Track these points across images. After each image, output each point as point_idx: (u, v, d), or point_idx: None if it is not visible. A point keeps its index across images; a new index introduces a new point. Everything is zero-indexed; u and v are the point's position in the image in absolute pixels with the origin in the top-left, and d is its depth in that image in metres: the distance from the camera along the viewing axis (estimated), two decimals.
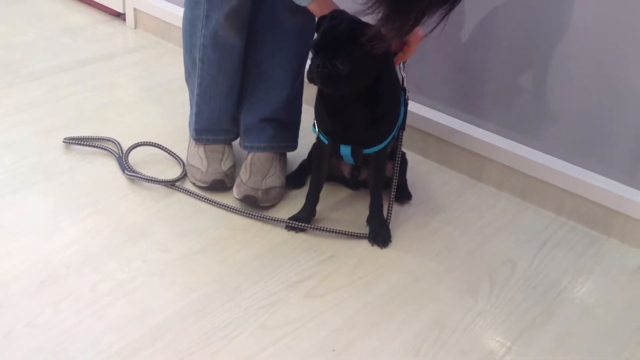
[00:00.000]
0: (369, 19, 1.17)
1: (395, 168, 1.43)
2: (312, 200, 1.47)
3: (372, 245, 1.43)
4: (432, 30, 1.13)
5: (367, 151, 1.38)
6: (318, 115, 1.39)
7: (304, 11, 1.48)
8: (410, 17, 1.09)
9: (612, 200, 1.49)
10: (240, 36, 1.49)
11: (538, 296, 1.33)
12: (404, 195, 1.56)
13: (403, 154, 1.51)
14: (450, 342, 1.21)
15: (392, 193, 1.45)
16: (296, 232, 1.44)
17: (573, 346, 1.23)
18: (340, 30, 1.24)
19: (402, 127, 1.42)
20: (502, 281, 1.36)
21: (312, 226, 1.44)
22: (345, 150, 1.37)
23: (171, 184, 1.54)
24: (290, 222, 1.44)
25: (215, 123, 1.57)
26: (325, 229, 1.43)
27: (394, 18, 1.10)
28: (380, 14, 1.10)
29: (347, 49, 1.23)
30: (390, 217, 1.45)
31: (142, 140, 1.65)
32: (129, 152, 1.62)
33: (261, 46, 1.52)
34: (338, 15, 1.28)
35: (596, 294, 1.36)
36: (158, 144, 1.65)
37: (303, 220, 1.45)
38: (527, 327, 1.26)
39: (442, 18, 1.11)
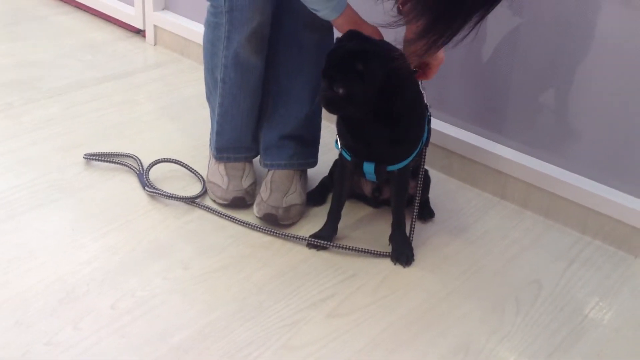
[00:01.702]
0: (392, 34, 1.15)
1: (419, 186, 1.41)
2: (333, 218, 1.45)
3: (395, 264, 1.41)
4: (463, 39, 1.11)
5: (390, 168, 1.36)
6: (340, 132, 1.38)
7: (323, 28, 1.48)
8: (450, 28, 1.07)
9: (638, 219, 1.46)
10: (261, 57, 1.49)
11: (565, 318, 1.31)
12: (426, 213, 1.54)
13: (426, 172, 1.49)
14: None
15: (415, 211, 1.43)
16: (317, 250, 1.43)
17: None
18: (340, 53, 1.25)
19: (426, 143, 1.41)
20: (529, 302, 1.33)
21: (334, 244, 1.42)
22: (368, 167, 1.36)
23: (191, 200, 1.53)
24: (312, 239, 1.42)
25: (236, 141, 1.57)
26: (347, 247, 1.41)
27: (433, 29, 1.08)
28: (419, 26, 1.08)
29: (343, 72, 1.24)
30: (412, 235, 1.43)
31: (162, 157, 1.64)
32: (149, 169, 1.61)
33: (281, 64, 1.52)
34: (350, 36, 1.28)
35: (624, 316, 1.33)
36: (178, 161, 1.64)
37: (325, 239, 1.43)
38: (555, 349, 1.23)
39: (473, 27, 1.09)
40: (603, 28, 1.42)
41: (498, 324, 1.28)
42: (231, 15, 1.42)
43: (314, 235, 1.44)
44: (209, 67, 1.54)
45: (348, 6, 1.33)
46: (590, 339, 1.26)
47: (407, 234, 1.43)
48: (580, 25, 1.45)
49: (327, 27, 1.49)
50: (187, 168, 1.64)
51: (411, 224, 1.43)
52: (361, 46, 1.25)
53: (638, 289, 1.40)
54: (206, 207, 1.52)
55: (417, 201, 1.42)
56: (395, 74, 1.26)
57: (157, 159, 1.63)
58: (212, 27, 1.48)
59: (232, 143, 1.57)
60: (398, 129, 1.32)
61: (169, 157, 1.64)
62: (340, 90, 1.25)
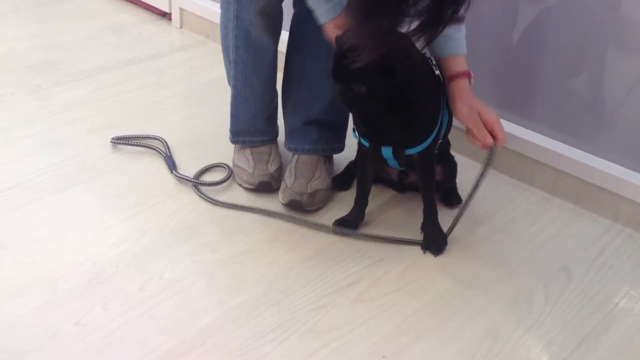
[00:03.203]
0: None
1: (449, 172, 1.40)
2: (360, 204, 1.44)
3: (424, 253, 1.39)
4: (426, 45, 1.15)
5: (409, 151, 1.34)
6: (354, 120, 1.37)
7: None
8: (384, 21, 1.11)
9: None
10: (274, 38, 1.48)
11: (595, 306, 1.29)
12: (454, 199, 1.53)
13: (452, 158, 1.48)
14: (504, 352, 1.18)
15: (461, 206, 1.41)
16: (343, 235, 1.42)
17: (633, 358, 1.19)
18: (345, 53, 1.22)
19: (448, 128, 1.39)
20: (558, 290, 1.32)
21: (361, 233, 1.41)
22: (386, 152, 1.34)
23: (217, 185, 1.53)
24: (337, 228, 1.41)
25: (250, 124, 1.56)
26: (375, 236, 1.40)
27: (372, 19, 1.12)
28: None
29: (363, 71, 1.19)
30: (451, 231, 1.41)
31: (212, 163, 1.60)
32: (199, 175, 1.57)
33: (303, 47, 1.50)
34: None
35: None
36: (223, 164, 1.60)
37: (351, 223, 1.42)
38: (585, 338, 1.22)
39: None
40: (634, 12, 1.39)
41: (526, 312, 1.27)
42: None
43: (340, 220, 1.43)
44: (224, 49, 1.54)
45: (342, 14, 1.31)
46: (620, 328, 1.25)
47: (446, 228, 1.41)
48: (610, 8, 1.42)
49: None
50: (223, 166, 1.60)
51: (453, 221, 1.40)
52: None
53: None
54: (228, 204, 1.48)
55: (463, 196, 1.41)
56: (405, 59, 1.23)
57: (206, 165, 1.59)
58: (224, 7, 1.47)
59: (247, 126, 1.56)
60: (408, 113, 1.30)
61: (217, 163, 1.60)
62: (363, 89, 1.22)
